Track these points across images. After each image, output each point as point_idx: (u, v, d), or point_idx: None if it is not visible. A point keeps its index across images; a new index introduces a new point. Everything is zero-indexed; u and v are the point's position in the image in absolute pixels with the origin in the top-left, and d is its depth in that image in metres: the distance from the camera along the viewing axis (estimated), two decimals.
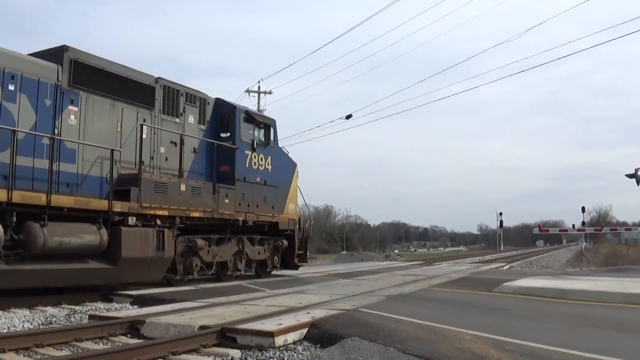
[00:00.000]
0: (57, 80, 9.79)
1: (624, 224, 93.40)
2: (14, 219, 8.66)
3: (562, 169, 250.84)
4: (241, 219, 13.22)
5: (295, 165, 15.75)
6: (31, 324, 7.96)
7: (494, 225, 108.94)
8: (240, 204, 13.19)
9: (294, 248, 15.42)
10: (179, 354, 5.78)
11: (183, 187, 11.54)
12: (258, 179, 13.96)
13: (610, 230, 57.93)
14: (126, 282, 10.83)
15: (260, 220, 13.98)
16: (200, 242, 12.01)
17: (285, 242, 15.10)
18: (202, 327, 6.60)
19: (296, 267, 16.01)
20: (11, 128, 8.81)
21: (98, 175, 10.34)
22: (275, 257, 15.02)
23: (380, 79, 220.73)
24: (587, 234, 68.39)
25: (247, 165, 13.61)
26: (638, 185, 23.49)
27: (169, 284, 11.68)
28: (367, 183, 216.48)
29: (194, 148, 12.56)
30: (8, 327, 7.57)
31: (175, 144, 12.04)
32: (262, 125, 14.35)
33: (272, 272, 15.09)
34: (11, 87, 9.07)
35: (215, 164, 12.86)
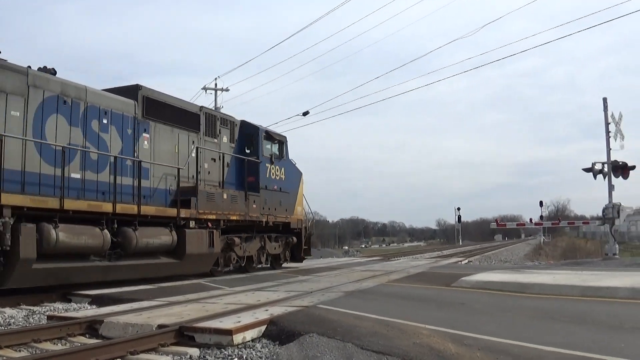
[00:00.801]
0: (135, 113, 13.06)
1: (582, 217, 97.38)
2: (115, 225, 11.91)
3: (519, 164, 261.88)
4: (264, 220, 16.81)
5: (301, 174, 19.55)
6: None
7: (452, 220, 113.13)
8: (263, 208, 16.78)
9: (301, 244, 19.21)
10: (138, 354, 6.03)
11: (225, 196, 15.00)
12: (275, 187, 17.61)
13: (568, 223, 60.22)
14: (187, 274, 14.12)
15: (278, 221, 17.63)
16: (236, 239, 15.55)
17: (294, 239, 18.86)
18: (160, 326, 6.95)
19: (301, 260, 19.76)
20: (112, 155, 12.14)
21: (163, 188, 13.68)
22: (287, 252, 18.76)
23: (337, 76, 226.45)
24: (545, 228, 71.89)
25: (267, 176, 17.22)
26: (595, 179, 23.69)
27: (211, 274, 14.99)
28: (326, 179, 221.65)
29: (227, 163, 15.98)
30: None
31: (214, 160, 15.47)
32: (276, 142, 18.00)
33: (283, 265, 18.74)
34: (105, 121, 12.32)
35: (245, 175, 16.31)
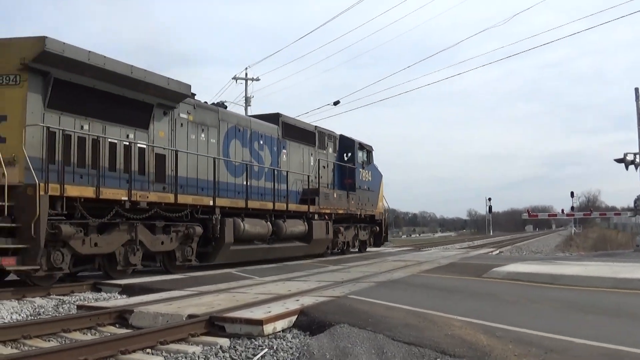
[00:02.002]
0: (277, 135, 17.89)
1: (613, 208, 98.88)
2: (273, 218, 16.71)
3: (550, 155, 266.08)
4: (358, 213, 21.74)
5: (382, 175, 24.56)
6: (19, 315, 8.58)
7: (483, 210, 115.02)
8: (358, 204, 21.66)
9: (382, 232, 24.23)
10: (168, 344, 6.13)
11: (335, 195, 19.90)
12: (365, 187, 22.56)
13: (600, 215, 62.45)
14: (312, 254, 18.92)
15: (367, 214, 22.57)
16: (341, 228, 20.52)
17: (377, 228, 23.82)
18: (190, 316, 7.10)
19: (379, 246, 24.92)
20: (268, 167, 16.91)
21: (295, 190, 18.50)
22: (371, 238, 23.77)
23: (365, 67, 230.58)
24: (576, 219, 72.71)
25: (360, 178, 22.18)
26: (627, 170, 24.09)
27: (322, 255, 19.73)
28: None
29: (332, 169, 20.86)
30: None
31: (324, 167, 20.35)
32: (366, 150, 22.95)
33: (367, 249, 23.70)
34: (261, 142, 17.15)
35: (345, 178, 21.16)
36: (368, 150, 23.22)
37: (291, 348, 6.13)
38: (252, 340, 6.39)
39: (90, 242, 11.55)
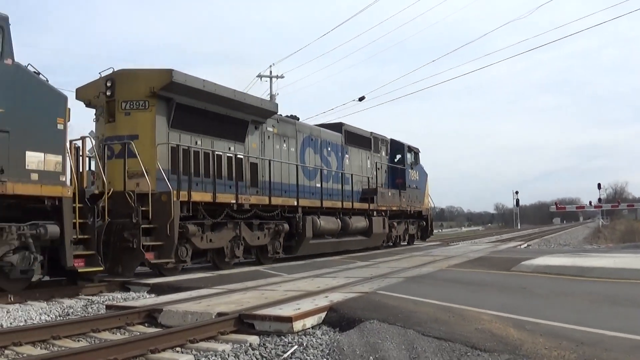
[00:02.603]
0: (341, 142, 20.66)
1: None
2: (341, 215, 19.49)
3: (576, 147, 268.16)
4: (409, 209, 24.53)
5: (427, 174, 27.34)
6: (48, 315, 8.72)
7: (510, 204, 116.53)
8: (408, 201, 24.40)
9: (427, 226, 27.02)
10: (197, 342, 6.28)
11: (390, 194, 22.66)
12: (413, 186, 25.32)
13: (627, 206, 62.85)
14: (372, 246, 21.64)
15: (415, 210, 25.37)
16: (395, 223, 23.29)
17: (424, 223, 26.63)
18: (219, 314, 7.21)
19: (425, 239, 27.59)
20: (337, 170, 19.76)
21: (356, 190, 21.24)
22: (418, 232, 26.60)
23: (390, 61, 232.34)
24: (603, 211, 73.79)
25: (409, 178, 24.95)
26: None
27: (377, 248, 22.47)
28: None
29: (385, 170, 23.59)
30: (25, 320, 8.29)
31: (379, 169, 23.07)
32: (413, 152, 25.69)
33: (415, 242, 26.44)
34: (329, 149, 19.92)
35: (396, 178, 23.94)
36: (415, 152, 26.04)
37: (321, 345, 6.26)
38: (282, 337, 6.54)
39: (207, 238, 14.26)
